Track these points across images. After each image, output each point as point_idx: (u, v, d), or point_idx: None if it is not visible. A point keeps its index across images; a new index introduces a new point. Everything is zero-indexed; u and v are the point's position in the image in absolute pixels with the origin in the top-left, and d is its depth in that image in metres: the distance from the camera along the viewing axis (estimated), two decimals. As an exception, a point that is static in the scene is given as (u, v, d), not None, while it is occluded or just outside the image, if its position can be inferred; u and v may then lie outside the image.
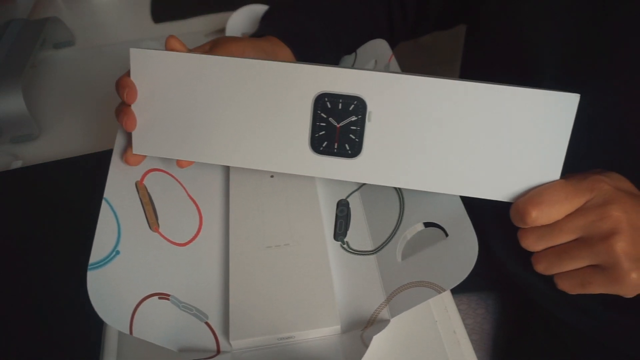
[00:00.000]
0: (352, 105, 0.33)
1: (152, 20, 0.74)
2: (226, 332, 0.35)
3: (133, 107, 0.36)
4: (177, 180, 0.43)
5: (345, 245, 0.41)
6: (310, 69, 0.33)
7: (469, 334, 0.37)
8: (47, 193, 0.47)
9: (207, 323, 0.36)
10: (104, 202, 0.34)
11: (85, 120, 0.56)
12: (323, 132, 0.34)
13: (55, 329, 0.37)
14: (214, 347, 0.35)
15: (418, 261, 0.35)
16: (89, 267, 0.31)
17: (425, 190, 0.34)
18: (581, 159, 0.33)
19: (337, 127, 0.34)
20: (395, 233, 0.38)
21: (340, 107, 0.33)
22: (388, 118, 0.33)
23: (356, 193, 0.44)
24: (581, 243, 0.29)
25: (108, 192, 0.35)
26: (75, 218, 0.44)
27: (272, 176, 0.44)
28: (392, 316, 0.34)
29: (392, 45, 0.49)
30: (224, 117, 0.35)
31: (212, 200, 0.44)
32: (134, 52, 0.34)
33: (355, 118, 0.33)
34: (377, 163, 0.34)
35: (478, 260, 0.31)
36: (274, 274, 0.37)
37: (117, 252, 0.33)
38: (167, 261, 0.38)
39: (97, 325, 0.37)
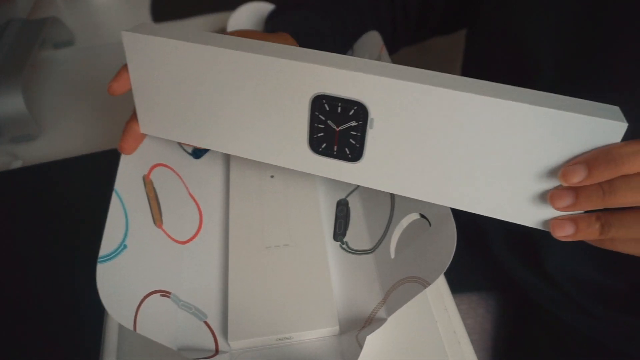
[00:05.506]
0: (353, 110, 0.30)
1: (152, 20, 0.74)
2: (225, 332, 0.35)
3: (134, 88, 0.35)
4: (179, 177, 0.43)
5: (344, 245, 0.41)
6: (307, 67, 0.30)
7: (469, 334, 0.37)
8: (47, 193, 0.47)
9: (206, 322, 0.36)
10: (114, 194, 0.33)
11: (85, 120, 0.56)
12: (322, 134, 0.32)
13: (55, 328, 0.37)
14: (213, 347, 0.35)
15: (407, 256, 0.35)
16: (98, 259, 0.30)
17: (427, 201, 0.32)
18: None
19: (337, 130, 0.31)
20: (388, 228, 0.38)
21: (339, 110, 0.31)
22: (393, 126, 0.30)
23: (356, 192, 0.44)
24: None
25: (118, 184, 0.34)
26: (75, 218, 0.44)
27: (272, 176, 0.44)
28: (389, 315, 0.34)
29: (393, 51, 0.49)
30: (224, 105, 0.33)
31: (212, 200, 0.44)
32: (127, 37, 0.32)
33: (356, 123, 0.31)
34: (379, 170, 0.32)
35: (478, 260, 0.30)
36: (273, 275, 0.37)
37: (125, 246, 0.33)
38: (169, 258, 0.37)
39: (97, 325, 0.37)
